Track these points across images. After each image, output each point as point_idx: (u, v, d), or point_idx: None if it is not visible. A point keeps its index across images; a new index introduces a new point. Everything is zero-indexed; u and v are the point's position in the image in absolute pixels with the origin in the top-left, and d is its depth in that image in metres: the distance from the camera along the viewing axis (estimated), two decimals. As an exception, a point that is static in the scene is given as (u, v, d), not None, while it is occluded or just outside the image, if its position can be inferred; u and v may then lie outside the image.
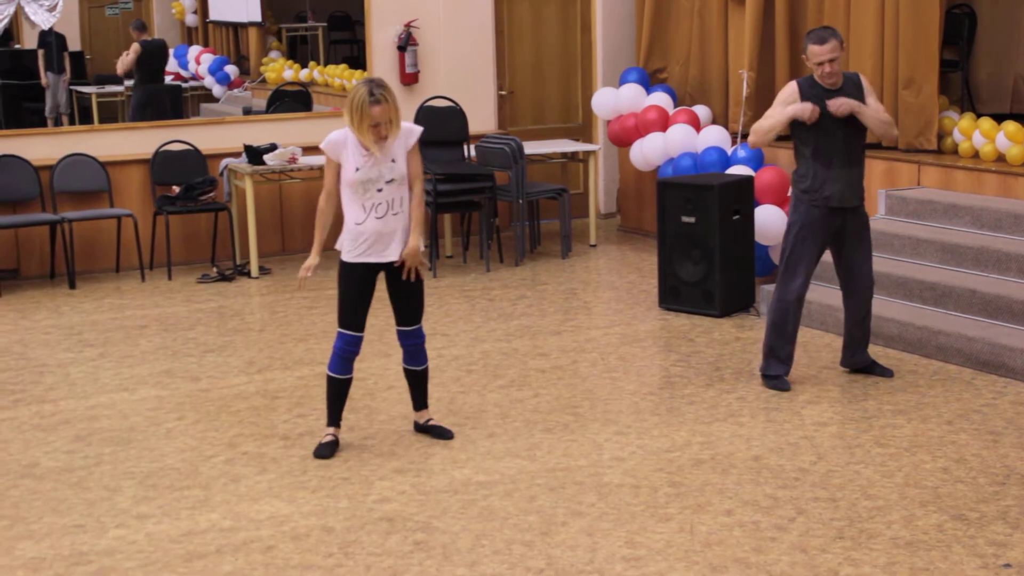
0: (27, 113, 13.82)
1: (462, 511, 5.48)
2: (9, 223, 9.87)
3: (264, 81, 13.89)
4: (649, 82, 11.16)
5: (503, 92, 11.92)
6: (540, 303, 9.19)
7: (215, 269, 10.35)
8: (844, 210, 6.95)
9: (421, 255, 6.10)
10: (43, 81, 13.57)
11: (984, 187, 8.65)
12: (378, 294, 6.19)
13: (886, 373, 7.26)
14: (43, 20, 12.00)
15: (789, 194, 8.04)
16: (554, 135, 11.99)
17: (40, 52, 13.57)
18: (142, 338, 8.46)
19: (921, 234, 8.39)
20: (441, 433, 6.41)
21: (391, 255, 6.05)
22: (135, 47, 13.24)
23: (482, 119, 11.53)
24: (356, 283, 6.08)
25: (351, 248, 6.06)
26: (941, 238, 8.25)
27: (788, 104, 6.88)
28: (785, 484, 5.72)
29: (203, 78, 14.45)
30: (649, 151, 10.52)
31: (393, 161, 5.98)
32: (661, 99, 10.83)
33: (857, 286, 7.13)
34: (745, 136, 9.78)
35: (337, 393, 6.22)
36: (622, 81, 11.17)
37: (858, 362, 7.32)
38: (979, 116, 9.25)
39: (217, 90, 14.23)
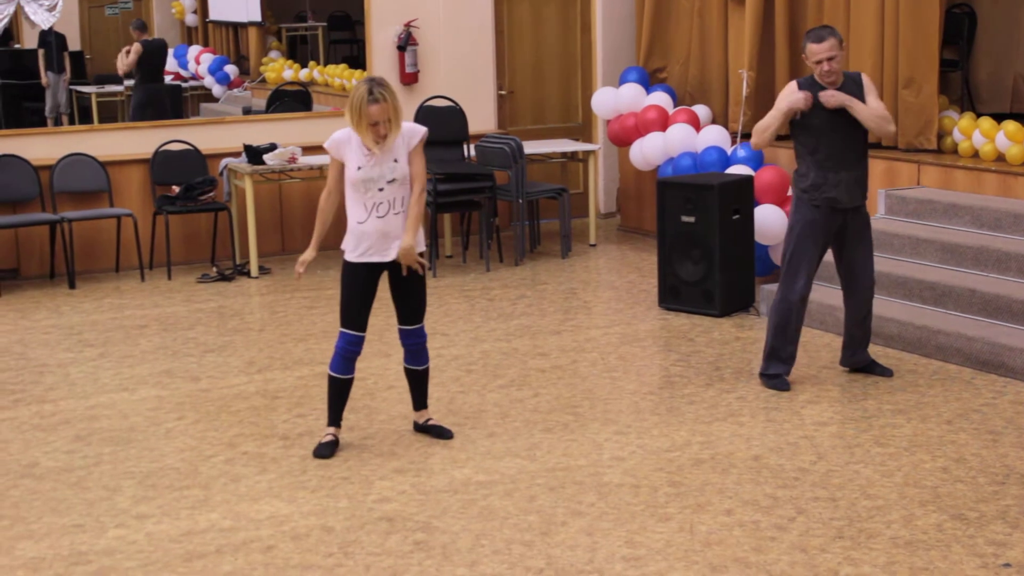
0: (27, 113, 13.82)
1: (462, 511, 5.48)
2: (9, 223, 9.88)
3: (264, 81, 13.89)
4: (649, 82, 11.16)
5: (503, 92, 11.92)
6: (540, 303, 9.20)
7: (215, 269, 10.35)
8: (845, 210, 6.95)
9: (418, 254, 6.09)
10: (43, 81, 13.57)
11: (984, 187, 8.65)
12: (378, 294, 6.17)
13: (886, 373, 7.27)
14: (43, 20, 12.00)
15: (790, 194, 8.06)
16: (554, 135, 12.00)
17: (40, 52, 13.57)
18: (142, 338, 8.46)
19: (921, 234, 8.39)
20: (441, 433, 6.41)
21: (393, 255, 6.04)
22: (136, 47, 13.24)
23: (482, 119, 11.53)
24: (358, 283, 6.08)
25: (354, 248, 6.05)
26: (941, 238, 8.25)
27: (791, 104, 6.88)
28: (785, 484, 5.72)
29: (203, 78, 14.46)
30: (649, 151, 10.52)
31: (395, 161, 5.98)
32: (661, 99, 10.83)
33: (858, 286, 7.13)
34: (745, 136, 9.78)
35: (338, 393, 6.22)
36: (622, 81, 11.17)
37: (858, 362, 7.32)
38: (979, 116, 9.25)
39: (217, 90, 14.23)
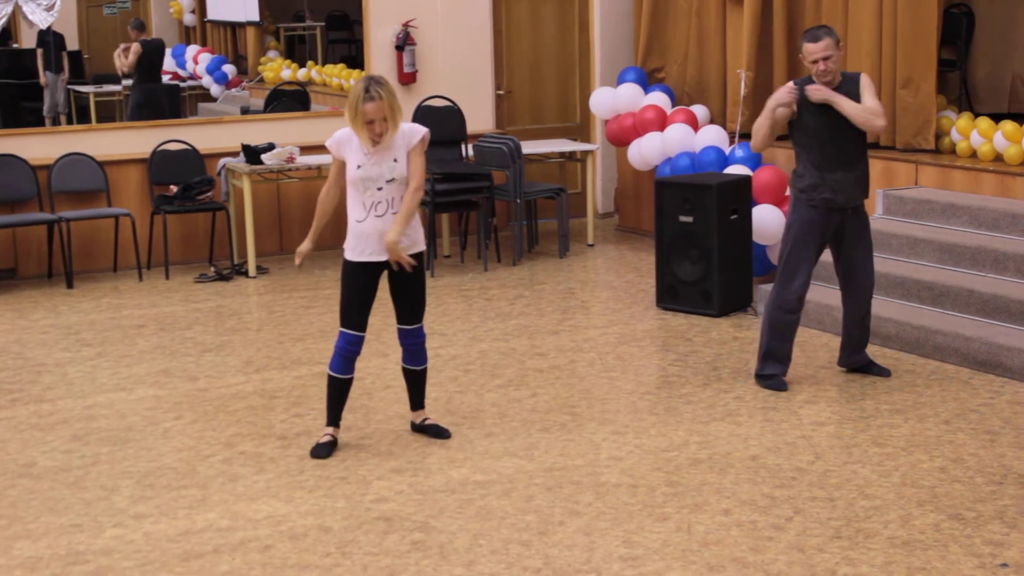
0: (25, 112, 13.82)
1: (459, 511, 5.48)
2: (7, 223, 9.87)
3: (262, 80, 13.89)
4: (647, 82, 11.16)
5: (501, 92, 11.92)
6: (538, 303, 9.20)
7: (213, 269, 10.34)
8: (843, 210, 6.94)
9: (418, 254, 6.09)
10: (42, 80, 13.57)
11: (982, 187, 8.66)
12: (378, 293, 6.17)
13: (883, 373, 7.27)
14: (41, 19, 11.99)
15: (788, 194, 8.05)
16: (552, 135, 11.99)
17: (39, 51, 13.57)
18: (140, 338, 8.46)
19: (919, 234, 8.39)
20: (438, 433, 6.41)
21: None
22: (136, 47, 13.24)
23: (480, 119, 11.53)
24: (358, 283, 6.07)
25: (353, 247, 6.06)
26: (939, 238, 8.25)
27: (785, 104, 6.88)
28: (782, 484, 5.73)
29: (201, 77, 14.45)
30: (647, 151, 10.52)
31: (395, 161, 5.98)
32: (659, 99, 10.83)
33: (857, 286, 7.12)
34: (744, 136, 9.79)
35: (337, 392, 6.21)
36: (620, 81, 11.17)
37: (856, 362, 7.32)
38: (977, 116, 9.25)
39: (215, 89, 14.23)
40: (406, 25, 11.26)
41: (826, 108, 6.80)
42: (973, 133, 8.94)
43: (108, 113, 13.86)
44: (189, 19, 15.04)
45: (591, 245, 11.13)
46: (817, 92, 6.80)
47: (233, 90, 14.09)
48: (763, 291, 8.57)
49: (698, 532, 5.22)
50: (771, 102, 6.91)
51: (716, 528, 5.26)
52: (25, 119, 13.56)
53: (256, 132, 10.84)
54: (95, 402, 7.11)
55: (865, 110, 6.76)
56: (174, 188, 10.37)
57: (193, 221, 10.67)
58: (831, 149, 6.85)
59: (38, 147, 10.38)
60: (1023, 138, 8.58)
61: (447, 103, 11.10)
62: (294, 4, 15.12)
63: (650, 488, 5.70)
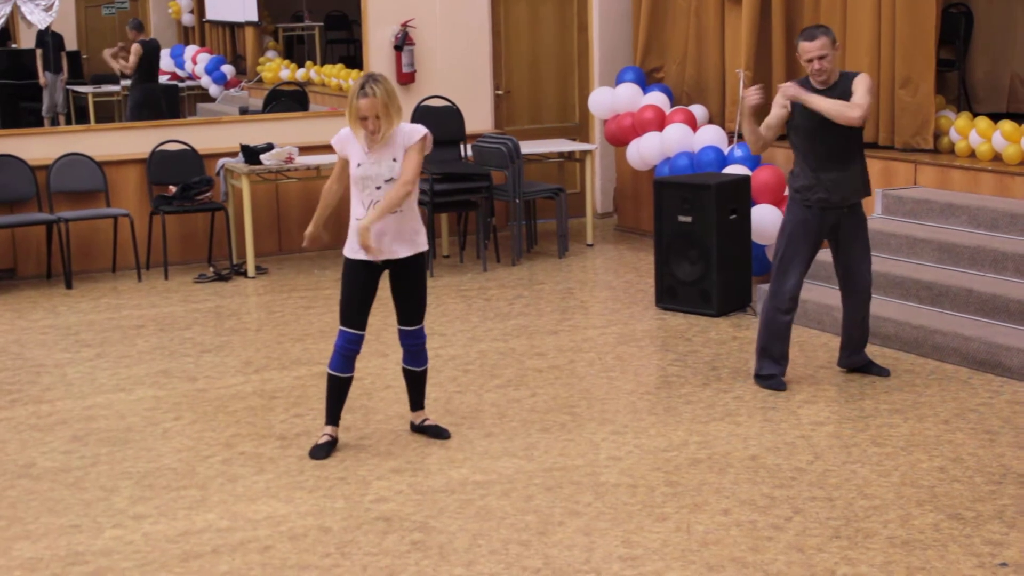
0: (24, 113, 13.81)
1: (459, 511, 5.48)
2: (6, 223, 9.87)
3: (261, 81, 13.89)
4: (646, 81, 11.16)
5: (500, 92, 11.92)
6: (537, 303, 9.20)
7: (212, 269, 10.34)
8: (839, 209, 6.94)
9: (419, 254, 6.10)
10: (41, 81, 13.57)
11: (981, 186, 8.66)
12: (379, 294, 6.17)
13: (883, 372, 7.27)
14: (39, 20, 11.99)
15: (786, 193, 8.04)
16: (551, 135, 11.99)
17: (38, 52, 13.56)
18: (139, 338, 8.46)
19: (918, 233, 8.39)
20: (438, 433, 6.41)
21: (388, 254, 6.04)
22: (136, 47, 13.24)
23: (479, 119, 11.53)
24: (358, 281, 6.08)
25: (353, 245, 6.06)
26: (938, 237, 8.25)
27: (780, 105, 6.89)
28: (782, 483, 5.73)
29: (199, 78, 14.45)
30: (646, 150, 10.52)
31: (394, 160, 5.98)
32: (658, 98, 10.83)
33: (855, 286, 7.12)
34: (742, 136, 9.78)
35: (337, 391, 6.21)
36: (619, 80, 11.17)
37: (855, 362, 7.32)
38: (976, 115, 9.25)
39: (214, 90, 14.22)
40: (405, 25, 11.26)
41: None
42: (972, 133, 8.95)
43: (107, 113, 13.86)
44: (188, 19, 15.04)
45: (590, 245, 11.13)
46: (789, 90, 6.80)
47: (232, 90, 14.09)
48: (762, 291, 8.56)
49: (697, 532, 5.22)
50: (746, 107, 6.96)
51: (715, 528, 5.26)
52: (24, 119, 13.56)
53: (255, 132, 10.84)
54: (94, 403, 7.11)
55: (837, 104, 6.72)
56: (173, 188, 10.37)
57: (192, 221, 10.67)
58: (824, 148, 6.85)
59: (37, 147, 10.38)
60: (1022, 138, 8.59)
61: (446, 103, 11.10)
62: (293, 4, 15.12)
63: (649, 488, 5.70)
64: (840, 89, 6.80)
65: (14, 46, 14.37)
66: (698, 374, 7.41)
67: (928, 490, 5.62)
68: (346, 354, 6.12)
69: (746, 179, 8.95)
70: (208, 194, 10.39)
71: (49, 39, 13.45)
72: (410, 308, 6.19)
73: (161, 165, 10.50)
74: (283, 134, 10.88)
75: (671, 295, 8.85)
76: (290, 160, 10.21)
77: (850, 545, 5.08)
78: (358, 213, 6.03)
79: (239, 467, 6.06)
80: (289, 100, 12.13)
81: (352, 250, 6.06)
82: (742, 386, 7.15)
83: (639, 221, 11.51)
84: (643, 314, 8.81)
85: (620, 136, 10.91)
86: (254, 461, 6.14)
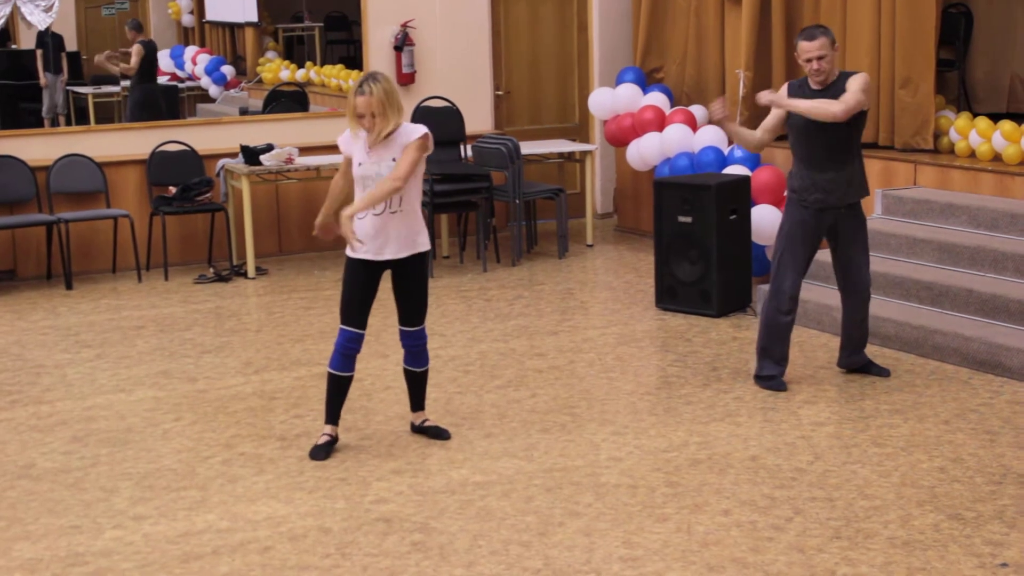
0: (24, 113, 13.80)
1: (459, 511, 5.48)
2: (6, 224, 9.87)
3: (260, 81, 13.87)
4: (646, 82, 11.16)
5: (500, 92, 11.92)
6: (537, 303, 9.19)
7: (212, 270, 10.34)
8: (835, 210, 6.94)
9: (420, 254, 6.10)
10: (41, 81, 13.56)
11: (980, 186, 8.66)
12: (380, 295, 6.17)
13: (883, 373, 7.27)
14: (39, 20, 11.99)
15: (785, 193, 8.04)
16: (551, 135, 11.99)
17: (38, 52, 13.55)
18: (139, 339, 8.46)
19: (918, 234, 8.39)
20: (438, 434, 6.41)
21: (388, 253, 6.05)
22: (138, 48, 13.23)
23: (479, 119, 11.53)
24: (358, 280, 6.08)
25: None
26: (938, 238, 8.25)
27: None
28: (782, 484, 5.73)
29: (199, 78, 14.44)
30: (646, 151, 10.52)
31: (393, 160, 5.98)
32: (658, 99, 10.83)
33: (854, 287, 7.12)
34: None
35: (337, 391, 6.21)
36: (619, 81, 11.17)
37: (855, 363, 7.32)
38: (975, 115, 9.25)
39: (213, 90, 14.21)
40: (404, 26, 11.26)
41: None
42: (972, 133, 8.95)
43: (106, 114, 13.85)
44: (187, 20, 15.03)
45: (590, 245, 11.13)
46: (763, 97, 6.82)
47: (232, 91, 14.08)
48: (762, 291, 8.56)
49: (698, 533, 5.22)
50: (712, 116, 7.06)
51: (716, 529, 5.26)
52: (24, 120, 13.54)
53: (255, 133, 10.84)
54: (94, 403, 7.11)
55: (816, 102, 6.71)
56: (173, 189, 10.37)
57: (192, 222, 10.67)
58: (819, 149, 6.85)
59: (37, 148, 10.38)
60: (1022, 138, 8.59)
61: (446, 104, 11.10)
62: (292, 5, 15.11)
63: (650, 489, 5.70)
64: (835, 89, 6.78)
65: (14, 47, 14.36)
66: (698, 375, 7.41)
67: (928, 490, 5.62)
68: (346, 353, 6.12)
69: (746, 179, 8.95)
70: (208, 195, 10.39)
71: (49, 40, 13.44)
72: (411, 308, 6.19)
73: (161, 166, 10.50)
74: (283, 135, 10.88)
75: (671, 295, 8.85)
76: (290, 161, 10.21)
77: (850, 545, 5.07)
78: (361, 212, 6.03)
79: (239, 468, 6.06)
80: (289, 101, 12.13)
81: (353, 249, 6.07)
82: (742, 386, 7.15)
83: (639, 221, 11.51)
84: (643, 314, 8.81)
85: (620, 136, 10.91)
86: (254, 462, 6.14)
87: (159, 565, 5.04)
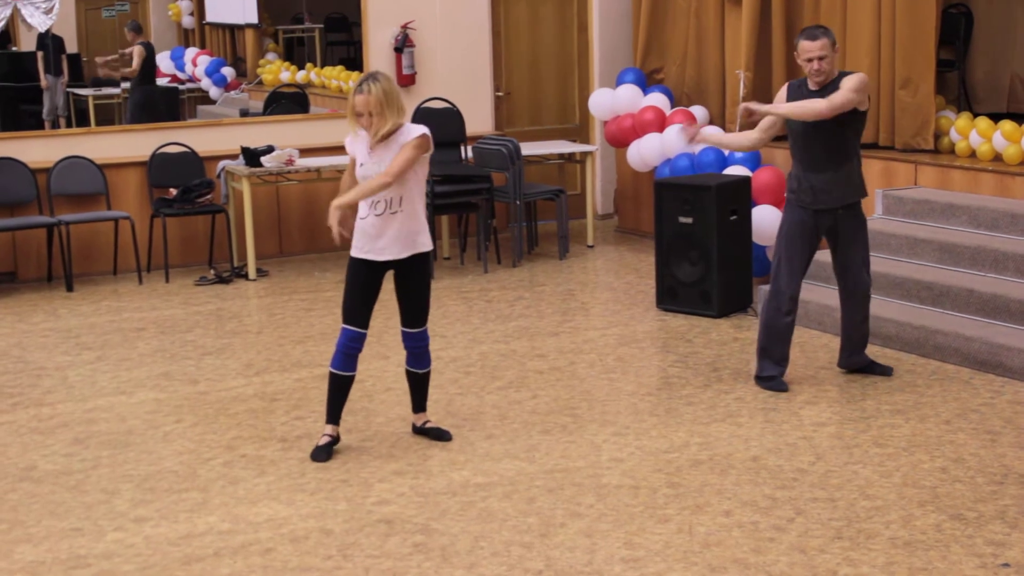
0: (25, 115, 13.81)
1: (461, 513, 5.48)
2: (6, 226, 9.87)
3: (261, 83, 13.88)
4: (646, 83, 11.16)
5: (500, 93, 11.92)
6: (538, 304, 9.19)
7: (213, 271, 10.34)
8: (834, 210, 6.93)
9: (423, 254, 6.10)
10: (42, 83, 13.56)
11: (981, 186, 8.66)
12: (383, 296, 6.17)
13: (885, 372, 7.26)
14: (40, 22, 11.99)
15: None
16: (551, 136, 11.99)
17: (39, 54, 13.55)
18: (140, 341, 8.46)
19: (918, 234, 8.39)
20: (439, 435, 6.41)
21: (389, 254, 6.05)
22: (139, 49, 13.24)
23: (479, 120, 11.53)
24: (359, 279, 6.09)
25: (356, 243, 6.09)
26: (938, 238, 8.25)
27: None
28: (783, 484, 5.73)
29: (200, 80, 14.44)
30: (646, 152, 10.52)
31: (393, 160, 6.00)
32: (658, 100, 10.83)
33: (854, 287, 7.12)
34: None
35: (338, 390, 6.21)
36: (619, 82, 11.17)
37: (855, 363, 7.32)
38: (976, 115, 9.25)
39: (214, 92, 14.22)
40: (405, 27, 11.26)
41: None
42: (972, 133, 8.95)
43: (107, 116, 13.85)
44: (188, 21, 15.03)
45: (591, 246, 11.13)
46: (741, 109, 6.85)
47: (232, 92, 14.08)
48: (763, 292, 8.56)
49: (699, 533, 5.22)
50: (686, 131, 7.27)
51: (717, 529, 5.26)
52: (24, 122, 13.55)
53: (255, 134, 10.84)
54: (95, 405, 7.11)
55: (799, 103, 6.73)
56: (173, 191, 10.37)
57: (193, 224, 10.67)
58: (816, 151, 6.86)
59: (37, 150, 10.38)
60: (1022, 138, 8.59)
61: (446, 105, 11.10)
62: (293, 6, 15.11)
63: (651, 489, 5.70)
64: (832, 90, 6.77)
65: (14, 49, 14.36)
66: (699, 375, 7.41)
67: (930, 491, 5.62)
68: (348, 352, 6.12)
69: (746, 180, 8.95)
70: (209, 196, 10.39)
71: (49, 42, 13.43)
72: (413, 309, 6.20)
73: (161, 167, 10.50)
74: (283, 136, 10.88)
75: (672, 296, 8.85)
76: (290, 162, 10.21)
77: (852, 546, 5.07)
78: (362, 212, 6.05)
79: (240, 470, 6.06)
80: (289, 102, 12.13)
81: (357, 249, 6.08)
82: (743, 387, 7.15)
83: (640, 222, 11.51)
84: (644, 315, 8.81)
85: (620, 137, 10.91)
86: (255, 463, 6.14)
87: (160, 567, 5.04)
